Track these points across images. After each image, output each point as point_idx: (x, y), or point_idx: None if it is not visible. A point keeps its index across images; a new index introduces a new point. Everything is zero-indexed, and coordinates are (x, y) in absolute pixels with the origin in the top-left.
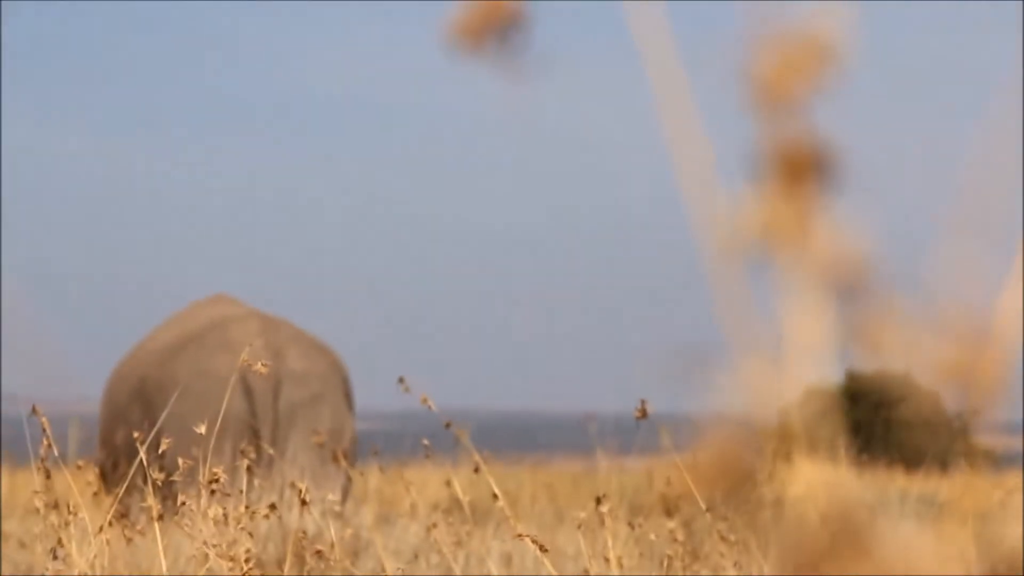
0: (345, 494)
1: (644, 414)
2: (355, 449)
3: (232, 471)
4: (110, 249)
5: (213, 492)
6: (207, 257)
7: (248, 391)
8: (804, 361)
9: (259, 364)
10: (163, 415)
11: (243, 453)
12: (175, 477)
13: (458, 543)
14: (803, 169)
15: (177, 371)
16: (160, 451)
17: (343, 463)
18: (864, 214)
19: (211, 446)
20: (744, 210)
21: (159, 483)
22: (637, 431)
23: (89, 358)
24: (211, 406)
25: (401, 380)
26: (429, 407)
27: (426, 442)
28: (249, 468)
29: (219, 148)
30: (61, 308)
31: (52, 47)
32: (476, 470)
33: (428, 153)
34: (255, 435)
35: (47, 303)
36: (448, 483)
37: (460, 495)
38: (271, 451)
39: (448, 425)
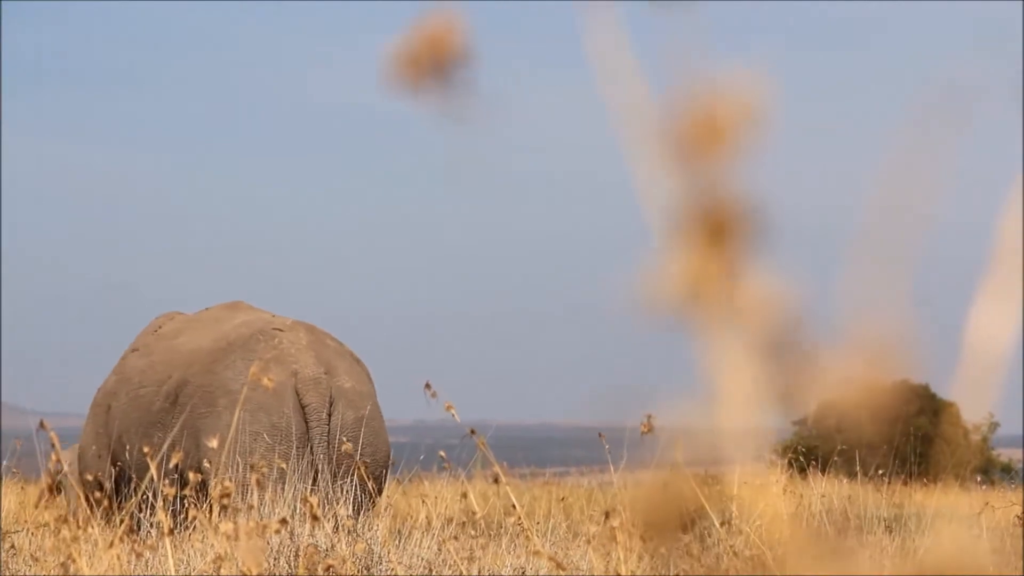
0: (361, 510)
1: (650, 428)
2: (388, 469)
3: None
4: (110, 261)
5: (225, 507)
6: (207, 267)
7: (301, 405)
8: (734, 410)
9: (315, 378)
10: (213, 423)
11: (253, 468)
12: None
13: (471, 558)
14: (727, 226)
15: (227, 379)
16: (174, 463)
17: (370, 486)
18: (789, 269)
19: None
20: (670, 267)
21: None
22: (655, 445)
23: (93, 373)
24: (267, 418)
25: (428, 386)
26: (453, 415)
27: (443, 454)
28: (259, 483)
29: (223, 156)
30: (67, 323)
31: (52, 56)
32: (496, 480)
33: (436, 162)
34: (307, 450)
35: (52, 318)
36: (465, 495)
37: (476, 508)
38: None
39: (472, 432)
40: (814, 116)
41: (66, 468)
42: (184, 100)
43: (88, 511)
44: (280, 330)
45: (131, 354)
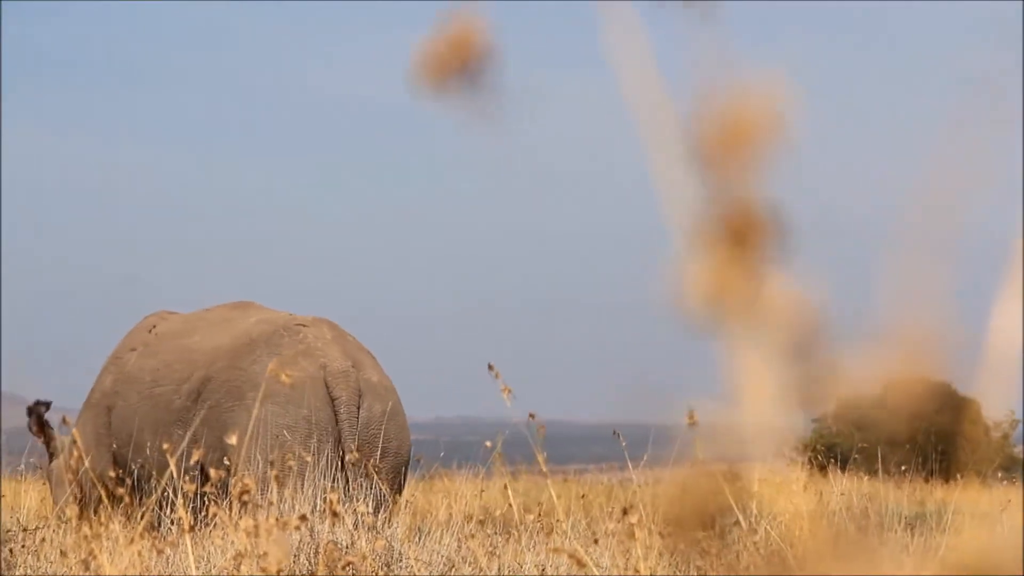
0: (379, 507)
1: (694, 421)
2: (409, 464)
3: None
4: (111, 254)
5: (245, 504)
6: (209, 261)
7: (332, 399)
8: (759, 411)
9: (344, 371)
10: (246, 418)
11: (281, 462)
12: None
13: (492, 555)
14: (750, 230)
15: (255, 373)
16: (195, 460)
17: (382, 483)
18: (814, 273)
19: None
20: (695, 271)
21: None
22: (677, 442)
23: (95, 366)
24: (297, 411)
25: (491, 367)
26: (505, 401)
27: (488, 444)
28: (278, 479)
29: (224, 150)
30: (68, 316)
31: (53, 50)
32: (544, 474)
33: (444, 158)
34: (339, 445)
35: (54, 310)
36: (506, 487)
37: (512, 502)
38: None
39: (532, 415)
40: (837, 116)
41: (59, 460)
42: (184, 94)
43: (95, 506)
44: (303, 325)
45: (130, 353)
